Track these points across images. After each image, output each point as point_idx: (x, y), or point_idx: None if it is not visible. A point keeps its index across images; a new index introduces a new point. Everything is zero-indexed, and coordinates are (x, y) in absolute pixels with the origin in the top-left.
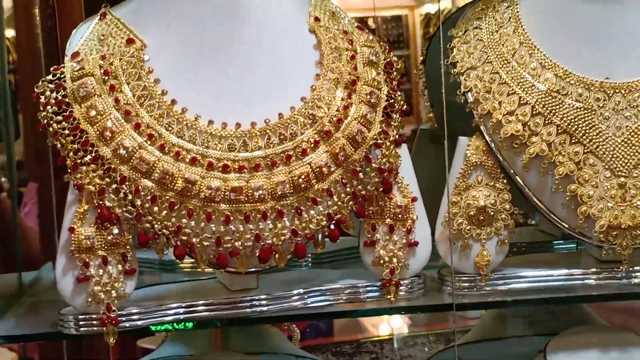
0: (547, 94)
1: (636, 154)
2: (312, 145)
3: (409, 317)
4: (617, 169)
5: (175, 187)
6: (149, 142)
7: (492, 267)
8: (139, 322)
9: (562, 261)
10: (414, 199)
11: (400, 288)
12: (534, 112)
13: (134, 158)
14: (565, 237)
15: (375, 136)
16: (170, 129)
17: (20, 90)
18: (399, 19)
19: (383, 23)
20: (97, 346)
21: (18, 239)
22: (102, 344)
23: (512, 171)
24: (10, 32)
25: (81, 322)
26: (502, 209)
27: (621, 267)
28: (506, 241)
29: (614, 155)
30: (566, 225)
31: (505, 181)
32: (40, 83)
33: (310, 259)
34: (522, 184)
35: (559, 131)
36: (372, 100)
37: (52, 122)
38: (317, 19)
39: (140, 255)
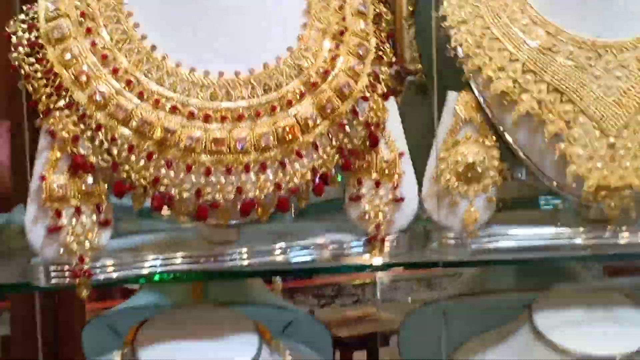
0: (538, 51)
1: (626, 114)
2: (298, 96)
3: None
4: (607, 129)
5: (154, 137)
6: (127, 89)
7: (479, 225)
8: (114, 275)
9: (549, 219)
10: (401, 154)
11: (386, 244)
12: (525, 69)
13: (110, 105)
14: (552, 192)
15: (362, 89)
16: (149, 75)
17: None
18: None
19: None
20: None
21: None
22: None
23: (501, 128)
24: None
25: (52, 274)
26: (490, 166)
27: (609, 227)
28: (493, 198)
29: (604, 115)
30: (555, 184)
31: (494, 138)
32: (11, 22)
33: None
34: (511, 141)
35: (550, 89)
36: (360, 52)
37: (24, 63)
38: None
39: (117, 202)
